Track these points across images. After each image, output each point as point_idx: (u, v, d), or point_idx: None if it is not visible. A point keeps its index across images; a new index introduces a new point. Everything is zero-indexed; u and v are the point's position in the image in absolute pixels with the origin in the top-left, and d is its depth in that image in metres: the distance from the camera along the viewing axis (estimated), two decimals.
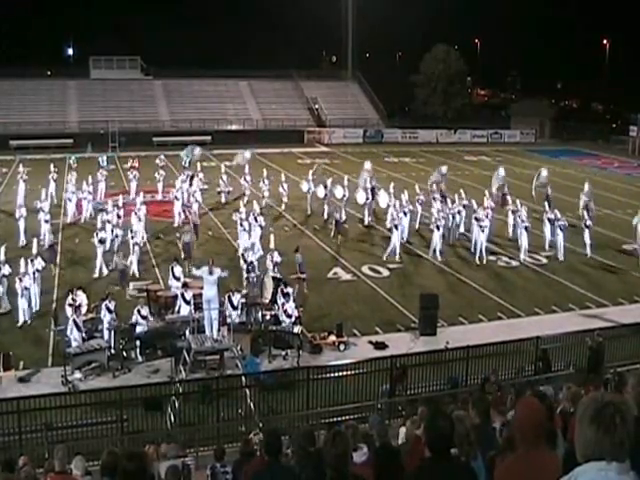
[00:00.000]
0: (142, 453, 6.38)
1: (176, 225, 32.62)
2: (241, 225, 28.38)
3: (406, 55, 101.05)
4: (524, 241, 29.08)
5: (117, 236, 27.54)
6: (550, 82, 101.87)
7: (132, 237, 26.73)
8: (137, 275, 25.73)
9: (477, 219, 29.26)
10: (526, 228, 29.11)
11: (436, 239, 28.83)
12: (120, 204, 31.56)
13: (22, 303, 21.46)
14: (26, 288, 21.52)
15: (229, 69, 73.42)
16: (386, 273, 27.31)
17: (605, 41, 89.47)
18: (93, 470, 9.52)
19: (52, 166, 38.60)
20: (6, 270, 22.06)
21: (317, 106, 73.95)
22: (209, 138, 64.46)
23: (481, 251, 28.63)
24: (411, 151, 63.20)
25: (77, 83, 71.16)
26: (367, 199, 34.47)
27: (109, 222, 28.02)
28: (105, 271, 25.79)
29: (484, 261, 28.47)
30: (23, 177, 36.51)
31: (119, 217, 29.20)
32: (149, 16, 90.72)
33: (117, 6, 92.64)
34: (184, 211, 33.85)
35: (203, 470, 11.38)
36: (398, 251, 28.79)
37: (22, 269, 21.95)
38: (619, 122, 79.85)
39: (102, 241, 26.33)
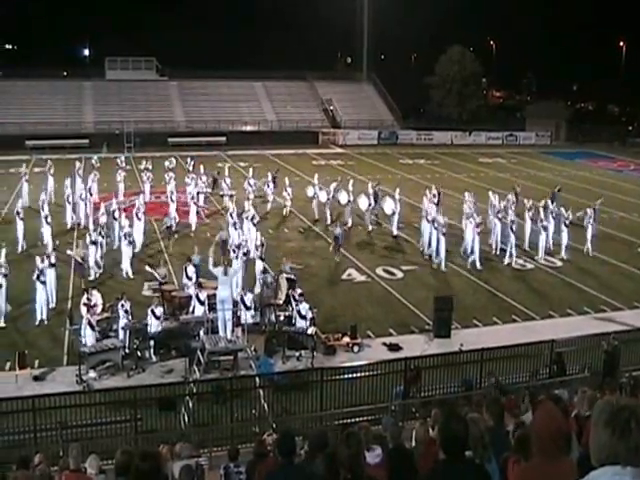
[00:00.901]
0: (156, 453, 6.41)
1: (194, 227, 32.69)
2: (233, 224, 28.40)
3: (421, 56, 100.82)
4: (541, 241, 29.13)
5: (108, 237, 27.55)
6: (566, 84, 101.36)
7: (125, 237, 26.33)
8: (130, 274, 25.80)
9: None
10: (545, 228, 29.13)
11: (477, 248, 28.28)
12: (115, 205, 30.68)
13: (40, 301, 21.63)
14: (44, 282, 21.73)
15: (244, 70, 73.62)
16: (400, 275, 27.27)
17: (621, 42, 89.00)
18: (107, 469, 9.56)
19: (77, 164, 38.99)
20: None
21: (332, 107, 73.98)
22: (224, 139, 64.74)
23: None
24: (426, 153, 63.12)
25: (93, 84, 71.58)
26: (370, 205, 33.86)
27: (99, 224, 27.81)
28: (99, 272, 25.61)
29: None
30: (26, 177, 37.20)
31: (115, 219, 28.89)
32: (164, 17, 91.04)
33: (133, 7, 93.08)
34: (198, 212, 34.05)
35: (216, 470, 11.39)
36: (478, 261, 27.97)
37: (40, 265, 22.14)
38: (635, 124, 79.51)
39: (94, 242, 25.83)
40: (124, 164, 41.84)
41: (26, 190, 36.05)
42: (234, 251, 23.97)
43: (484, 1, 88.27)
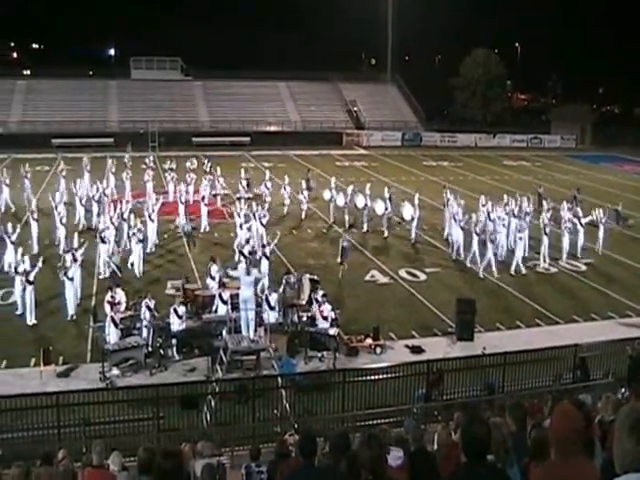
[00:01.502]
0: (178, 451, 6.43)
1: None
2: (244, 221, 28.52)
3: (445, 58, 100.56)
4: (565, 243, 29.08)
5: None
6: (591, 87, 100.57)
7: (133, 234, 26.33)
8: (140, 272, 25.90)
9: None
10: (569, 230, 28.98)
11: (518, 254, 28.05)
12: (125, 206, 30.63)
13: (69, 297, 21.95)
14: (71, 279, 22.02)
15: (268, 71, 73.86)
16: (423, 277, 27.21)
17: None
18: (129, 466, 9.62)
19: (110, 162, 39.30)
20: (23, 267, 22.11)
21: (355, 108, 73.93)
22: (248, 139, 64.90)
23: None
24: (450, 155, 62.92)
25: (118, 83, 72.07)
26: (386, 209, 33.10)
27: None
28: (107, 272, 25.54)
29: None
30: (63, 174, 37.31)
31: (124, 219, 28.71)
32: (189, 17, 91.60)
33: (158, 7, 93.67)
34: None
35: (238, 470, 11.42)
36: (494, 265, 27.30)
37: (68, 263, 22.53)
38: None
39: (104, 240, 25.86)
40: (152, 164, 41.94)
41: (63, 187, 36.33)
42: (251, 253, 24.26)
43: (509, 3, 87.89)
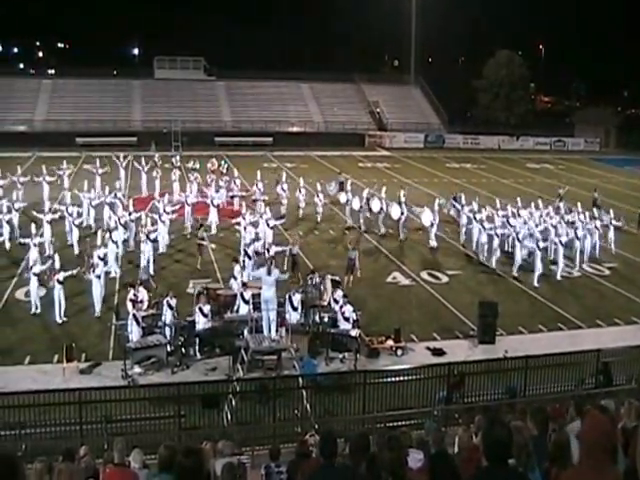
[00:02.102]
0: (199, 449, 6.47)
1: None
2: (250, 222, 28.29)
3: (468, 60, 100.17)
4: (587, 245, 28.95)
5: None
6: (616, 90, 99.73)
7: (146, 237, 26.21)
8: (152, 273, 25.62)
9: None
10: (589, 231, 28.84)
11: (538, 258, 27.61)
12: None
13: (96, 294, 22.17)
14: (98, 276, 22.26)
15: (291, 71, 74.07)
16: (445, 279, 27.14)
17: None
18: (150, 464, 9.67)
19: (143, 160, 39.59)
20: (37, 269, 22.35)
21: (378, 110, 73.86)
22: (270, 139, 65.05)
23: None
24: (472, 157, 62.71)
25: (142, 83, 72.56)
26: (402, 214, 32.33)
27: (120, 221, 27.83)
28: (118, 271, 25.52)
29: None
30: (99, 172, 37.69)
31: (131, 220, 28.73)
32: (213, 17, 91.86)
33: (182, 7, 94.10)
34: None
35: (258, 469, 11.44)
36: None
37: (95, 260, 22.75)
38: None
39: (115, 241, 25.86)
40: (179, 163, 41.86)
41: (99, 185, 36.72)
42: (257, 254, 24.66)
43: (533, 5, 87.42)
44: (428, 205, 32.99)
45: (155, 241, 26.96)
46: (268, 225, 28.65)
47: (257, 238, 26.62)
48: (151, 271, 25.61)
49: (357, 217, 34.35)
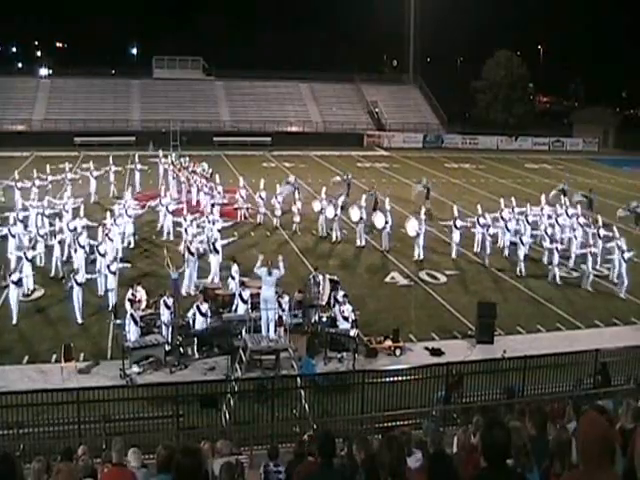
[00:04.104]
0: (197, 449, 6.46)
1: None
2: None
3: (467, 60, 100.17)
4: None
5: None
6: (615, 90, 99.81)
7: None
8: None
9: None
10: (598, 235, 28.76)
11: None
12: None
13: (112, 292, 22.42)
14: (114, 273, 22.56)
15: (290, 71, 74.03)
16: (443, 279, 27.14)
17: None
18: (148, 463, 9.66)
19: (167, 160, 39.75)
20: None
21: (377, 110, 73.87)
22: (269, 139, 65.00)
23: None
24: (471, 157, 62.73)
25: (140, 82, 72.56)
26: (386, 222, 30.25)
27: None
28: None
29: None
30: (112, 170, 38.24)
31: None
32: (212, 17, 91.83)
33: (181, 7, 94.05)
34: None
35: (256, 469, 11.44)
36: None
37: (111, 256, 23.24)
38: None
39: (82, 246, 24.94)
40: (186, 164, 41.14)
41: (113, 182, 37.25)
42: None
43: (531, 5, 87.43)
44: (413, 213, 31.80)
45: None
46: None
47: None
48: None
49: (331, 226, 32.28)
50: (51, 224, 28.11)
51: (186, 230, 26.89)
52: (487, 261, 28.78)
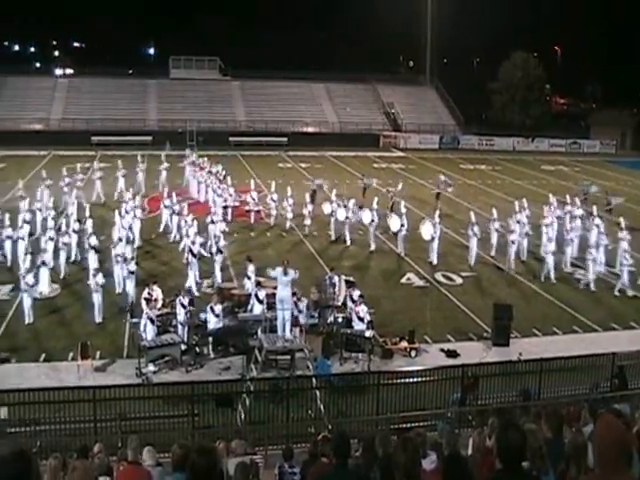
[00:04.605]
0: (212, 448, 6.49)
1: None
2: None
3: (484, 61, 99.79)
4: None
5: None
6: (632, 92, 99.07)
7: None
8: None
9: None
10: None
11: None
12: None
13: (130, 287, 22.66)
14: (132, 272, 22.79)
15: (306, 71, 73.99)
16: (459, 281, 27.06)
17: None
18: (164, 462, 9.70)
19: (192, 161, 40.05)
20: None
21: (393, 111, 73.77)
22: (285, 139, 65.05)
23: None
24: (487, 159, 62.52)
25: (157, 82, 72.88)
26: (402, 226, 29.71)
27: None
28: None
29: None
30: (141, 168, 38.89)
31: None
32: (228, 18, 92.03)
33: (197, 7, 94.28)
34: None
35: (271, 469, 11.45)
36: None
37: (129, 255, 23.43)
38: None
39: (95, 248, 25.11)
40: (205, 164, 41.23)
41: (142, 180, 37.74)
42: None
43: (549, 6, 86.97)
44: (428, 217, 31.13)
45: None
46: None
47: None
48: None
49: (342, 229, 31.79)
50: (58, 226, 28.49)
51: (187, 231, 27.06)
52: (512, 265, 28.14)
